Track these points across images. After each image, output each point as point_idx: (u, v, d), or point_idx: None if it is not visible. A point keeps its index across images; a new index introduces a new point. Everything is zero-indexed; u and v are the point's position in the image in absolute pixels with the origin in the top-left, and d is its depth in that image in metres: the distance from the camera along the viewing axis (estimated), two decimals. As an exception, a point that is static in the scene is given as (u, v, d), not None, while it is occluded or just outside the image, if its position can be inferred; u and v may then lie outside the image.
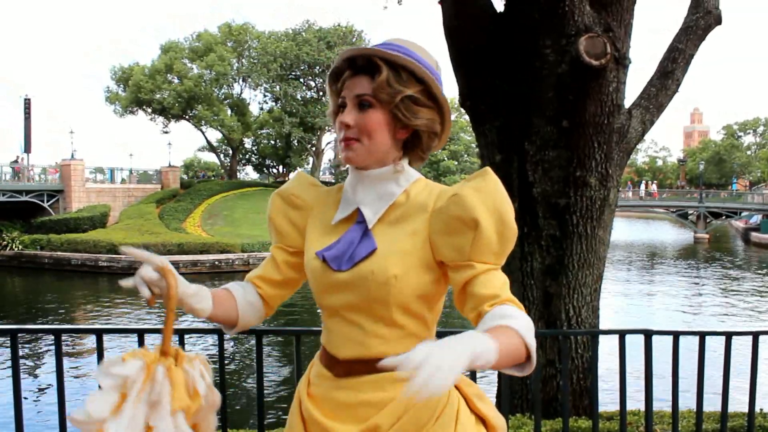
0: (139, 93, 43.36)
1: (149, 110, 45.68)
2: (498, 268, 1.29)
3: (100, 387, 1.24)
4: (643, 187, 56.14)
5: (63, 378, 2.78)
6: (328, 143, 49.11)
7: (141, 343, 2.80)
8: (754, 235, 40.38)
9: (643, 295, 21.44)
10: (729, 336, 3.08)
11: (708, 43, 4.62)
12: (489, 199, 1.27)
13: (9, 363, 2.78)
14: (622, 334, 2.99)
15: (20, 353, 2.81)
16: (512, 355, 1.13)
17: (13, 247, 28.99)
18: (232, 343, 13.90)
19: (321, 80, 45.30)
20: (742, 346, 3.24)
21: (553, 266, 4.18)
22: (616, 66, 3.90)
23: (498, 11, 4.16)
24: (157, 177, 39.49)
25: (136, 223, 31.42)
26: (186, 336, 2.90)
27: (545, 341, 4.16)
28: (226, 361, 3.01)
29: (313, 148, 48.86)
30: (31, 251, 28.75)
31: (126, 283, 1.31)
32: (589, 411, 3.87)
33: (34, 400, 10.49)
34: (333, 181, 49.58)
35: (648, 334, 2.99)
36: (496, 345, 1.06)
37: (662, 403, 3.55)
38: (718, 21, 4.65)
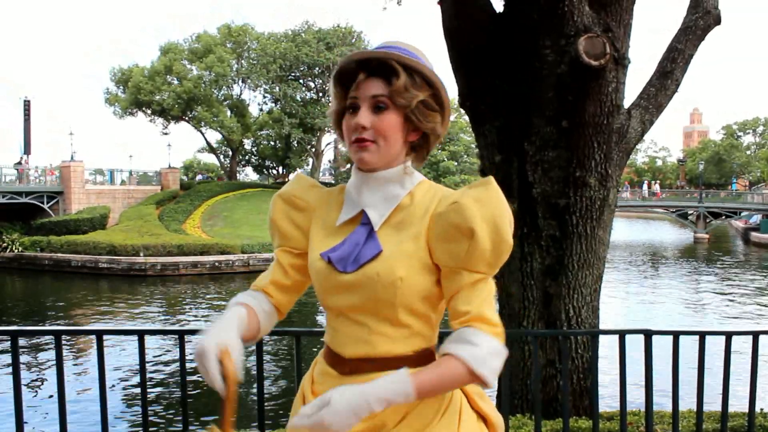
0: (139, 94, 43.35)
1: (149, 112, 45.67)
2: (488, 277, 1.32)
3: None
4: (645, 187, 56.12)
5: (63, 379, 2.78)
6: (328, 144, 49.13)
7: (141, 344, 2.80)
8: (754, 235, 40.38)
9: (643, 295, 21.43)
10: (729, 336, 3.08)
11: (707, 43, 4.63)
12: (488, 210, 1.28)
13: (9, 364, 2.78)
14: (622, 334, 3.00)
15: (20, 355, 2.81)
16: (445, 386, 1.26)
17: (13, 248, 28.99)
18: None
19: (320, 81, 45.30)
20: (742, 346, 3.24)
21: (553, 266, 4.18)
22: (616, 66, 3.90)
23: (497, 12, 4.16)
24: (156, 178, 39.49)
25: (136, 224, 31.41)
26: (186, 337, 2.91)
27: (545, 341, 4.16)
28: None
29: (313, 149, 48.86)
30: (31, 253, 28.74)
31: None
32: (589, 411, 3.87)
33: (35, 402, 10.49)
34: (333, 182, 49.57)
35: (648, 334, 3.00)
36: (411, 387, 1.20)
37: (662, 403, 3.56)
38: (718, 21, 4.65)
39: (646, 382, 3.03)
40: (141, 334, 2.81)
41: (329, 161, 56.07)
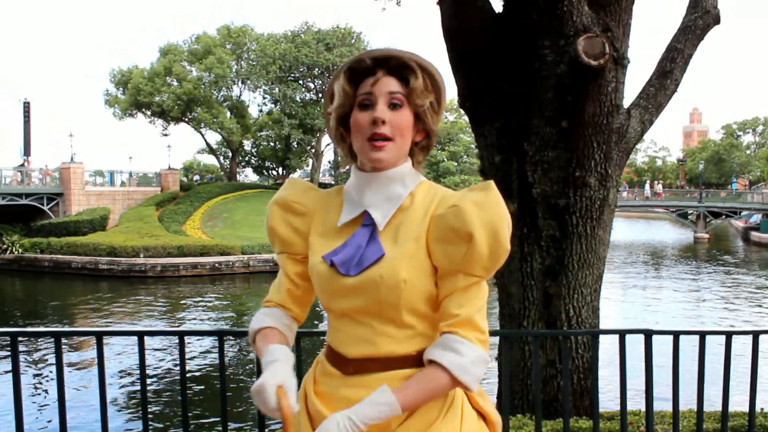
0: (138, 96, 43.34)
1: (148, 113, 45.66)
2: (482, 281, 1.34)
3: None
4: (647, 186, 56.12)
5: (63, 380, 2.78)
6: (328, 145, 49.07)
7: (141, 345, 2.80)
8: (754, 235, 40.39)
9: (643, 295, 21.43)
10: (729, 335, 3.08)
11: (707, 43, 4.63)
12: (487, 215, 1.29)
13: (9, 366, 2.78)
14: (622, 334, 3.00)
15: (20, 356, 2.81)
16: (429, 396, 1.30)
17: (13, 250, 28.98)
18: (231, 345, 13.89)
19: (320, 82, 45.25)
20: (742, 346, 3.24)
21: (553, 266, 4.17)
22: (615, 66, 3.90)
23: (497, 12, 4.16)
24: (156, 180, 39.49)
25: (136, 225, 31.40)
26: (186, 338, 2.91)
27: (545, 341, 4.16)
28: (225, 362, 3.01)
29: (313, 150, 48.83)
30: (31, 255, 28.75)
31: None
32: (589, 411, 3.87)
33: (35, 403, 10.49)
34: (333, 182, 49.57)
35: (648, 334, 3.00)
36: (397, 404, 1.26)
37: (663, 402, 3.55)
38: (717, 21, 4.65)
39: (646, 381, 3.03)
40: (141, 335, 2.81)
41: (329, 162, 56.06)
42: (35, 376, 12.35)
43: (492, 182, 1.35)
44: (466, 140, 49.11)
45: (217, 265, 26.92)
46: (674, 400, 3.07)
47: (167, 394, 11.39)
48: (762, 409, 3.98)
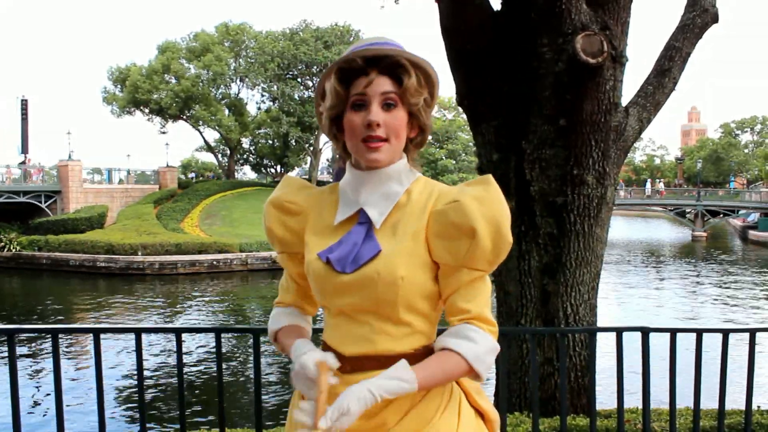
0: (136, 93, 43.26)
1: (146, 110, 45.58)
2: (486, 275, 1.34)
3: None
4: (648, 185, 56.14)
5: (60, 377, 2.78)
6: (326, 143, 49.01)
7: (138, 342, 2.80)
8: (752, 233, 40.44)
9: (640, 293, 21.45)
10: (726, 333, 3.09)
11: (705, 42, 4.63)
12: (488, 209, 1.29)
13: (7, 363, 2.78)
14: (619, 331, 3.00)
15: (18, 353, 2.81)
16: (446, 377, 1.31)
17: (11, 248, 28.94)
18: (229, 342, 13.89)
19: (318, 80, 45.09)
20: (739, 344, 3.25)
21: (551, 264, 4.18)
22: (613, 64, 3.90)
23: (495, 10, 4.16)
24: (154, 177, 39.45)
25: (134, 223, 31.37)
26: (184, 335, 2.90)
27: (543, 339, 4.16)
28: (223, 360, 3.01)
29: (311, 148, 48.79)
30: (28, 252, 28.71)
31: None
32: (586, 409, 3.87)
33: (32, 400, 10.48)
34: (331, 180, 49.49)
35: (645, 332, 3.00)
36: (413, 379, 1.25)
37: (660, 400, 3.56)
38: (715, 19, 4.66)
39: (643, 379, 3.03)
40: (138, 333, 2.81)
41: (327, 160, 56.01)
42: (33, 373, 12.35)
43: (490, 176, 1.35)
44: (465, 138, 49.06)
45: (215, 262, 26.91)
46: (671, 398, 3.08)
47: (164, 390, 11.39)
48: (759, 406, 3.99)
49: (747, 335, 3.11)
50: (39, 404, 10.37)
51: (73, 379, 11.42)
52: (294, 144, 48.50)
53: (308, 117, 43.79)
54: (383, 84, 1.32)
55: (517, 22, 4.02)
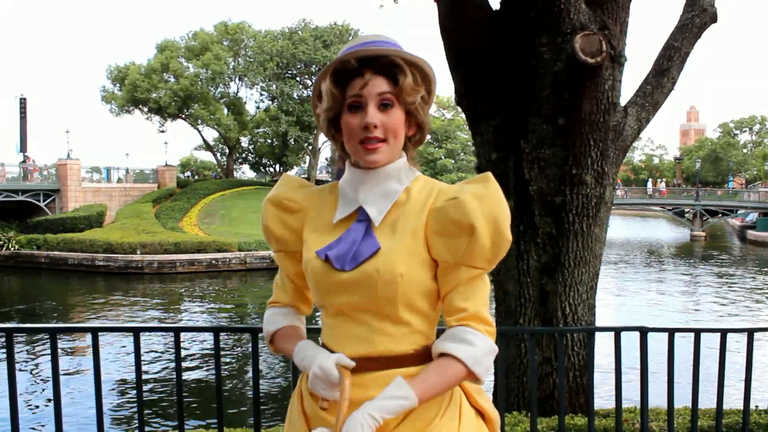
0: (135, 92, 43.17)
1: (145, 109, 45.50)
2: (484, 273, 1.34)
3: None
4: (650, 185, 56.15)
5: (59, 376, 2.78)
6: (325, 142, 48.97)
7: (136, 341, 2.80)
8: (750, 233, 40.46)
9: (639, 293, 21.47)
10: (724, 333, 3.09)
11: (704, 41, 4.64)
12: (487, 207, 1.29)
13: (5, 362, 2.77)
14: (617, 331, 3.01)
15: (16, 352, 2.81)
16: (446, 386, 1.30)
17: (10, 246, 28.90)
18: (227, 342, 13.89)
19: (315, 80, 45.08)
20: (737, 343, 3.25)
21: (550, 264, 4.18)
22: (612, 64, 3.90)
23: (494, 10, 4.16)
24: (153, 176, 39.40)
25: (133, 222, 31.33)
26: (182, 334, 2.90)
27: (541, 339, 4.17)
28: (221, 359, 3.01)
29: (310, 147, 48.77)
30: (27, 251, 28.66)
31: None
32: (585, 408, 3.88)
33: (30, 399, 10.47)
34: (330, 179, 49.43)
35: (643, 332, 3.00)
36: (412, 396, 1.24)
37: (658, 400, 3.56)
38: (714, 19, 4.66)
39: (641, 379, 3.04)
40: (136, 332, 2.81)
41: (326, 159, 55.98)
42: (31, 371, 12.34)
43: (490, 174, 1.35)
44: (463, 138, 49.04)
45: (213, 261, 26.88)
46: (669, 398, 3.08)
47: (163, 389, 11.38)
48: (757, 406, 4.00)
49: (745, 335, 3.11)
50: (37, 404, 10.37)
51: (72, 382, 11.40)
52: (293, 143, 48.46)
53: (307, 116, 43.75)
54: (379, 84, 1.31)
55: (516, 21, 4.02)
